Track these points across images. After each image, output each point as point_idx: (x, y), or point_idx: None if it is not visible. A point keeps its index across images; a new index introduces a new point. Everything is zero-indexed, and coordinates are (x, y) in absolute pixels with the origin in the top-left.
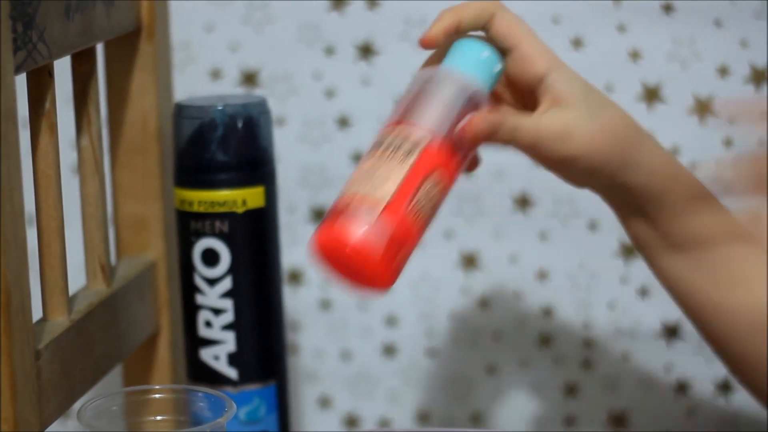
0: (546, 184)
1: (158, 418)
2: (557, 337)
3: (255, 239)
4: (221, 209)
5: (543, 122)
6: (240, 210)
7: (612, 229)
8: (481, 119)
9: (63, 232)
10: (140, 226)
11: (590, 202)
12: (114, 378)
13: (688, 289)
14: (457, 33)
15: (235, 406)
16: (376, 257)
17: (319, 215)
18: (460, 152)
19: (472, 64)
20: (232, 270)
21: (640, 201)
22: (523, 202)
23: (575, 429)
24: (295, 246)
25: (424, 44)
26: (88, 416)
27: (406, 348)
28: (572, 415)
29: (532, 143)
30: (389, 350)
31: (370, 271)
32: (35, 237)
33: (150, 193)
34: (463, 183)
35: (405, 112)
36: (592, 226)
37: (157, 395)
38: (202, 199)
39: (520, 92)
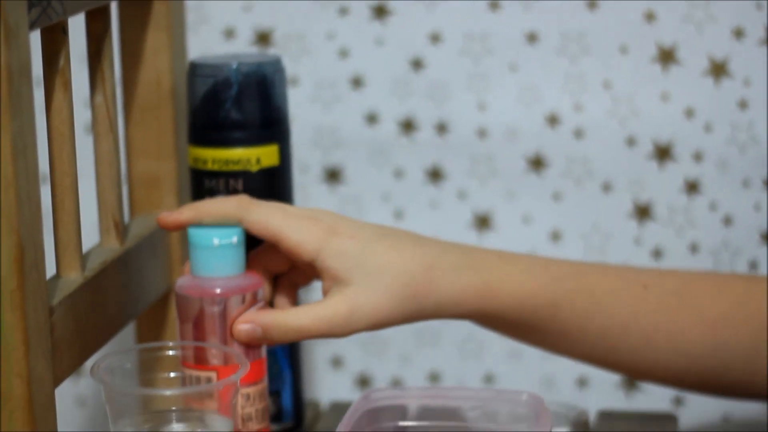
0: (559, 144)
1: (171, 374)
2: None
3: (269, 197)
4: (235, 168)
5: (324, 314)
6: (254, 168)
7: (626, 191)
8: (238, 331)
9: (77, 189)
10: (154, 185)
11: (604, 163)
12: (127, 336)
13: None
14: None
15: (248, 362)
16: None
17: (331, 176)
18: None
19: (208, 260)
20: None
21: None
22: (537, 163)
23: (587, 390)
24: (309, 206)
25: (161, 224)
26: (101, 372)
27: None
28: (585, 377)
29: (322, 334)
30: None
31: None
32: (49, 195)
33: (164, 151)
34: (476, 143)
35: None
36: (606, 187)
37: (170, 352)
38: (216, 157)
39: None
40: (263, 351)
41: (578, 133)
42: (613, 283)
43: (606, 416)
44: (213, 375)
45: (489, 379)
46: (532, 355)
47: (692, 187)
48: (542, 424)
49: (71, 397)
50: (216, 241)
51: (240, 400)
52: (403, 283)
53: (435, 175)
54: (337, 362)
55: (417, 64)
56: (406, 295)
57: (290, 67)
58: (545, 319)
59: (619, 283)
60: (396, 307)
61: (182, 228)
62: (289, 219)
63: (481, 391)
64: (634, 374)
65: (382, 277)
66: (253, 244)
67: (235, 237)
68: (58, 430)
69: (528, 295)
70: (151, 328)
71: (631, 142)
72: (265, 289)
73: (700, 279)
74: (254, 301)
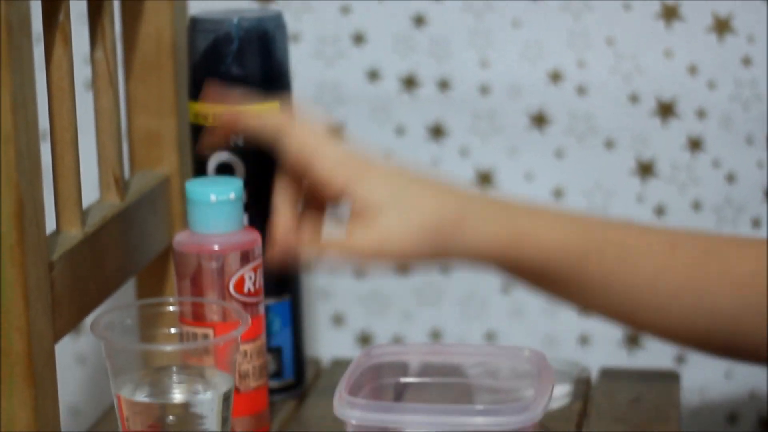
0: (562, 101)
1: (172, 330)
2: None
3: (270, 154)
4: None
5: (356, 243)
6: None
7: (629, 148)
8: (271, 255)
9: (77, 144)
10: (154, 141)
11: (607, 120)
12: (127, 292)
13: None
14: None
15: (249, 318)
16: None
17: (334, 133)
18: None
19: (206, 217)
20: (246, 185)
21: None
22: (539, 120)
23: (589, 348)
24: None
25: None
26: (101, 328)
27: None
28: (586, 334)
29: (348, 259)
30: (403, 268)
31: None
32: (49, 152)
33: (164, 107)
34: (478, 100)
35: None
36: (609, 144)
37: (171, 308)
38: (217, 113)
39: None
40: (261, 308)
41: (581, 90)
42: (641, 238)
43: (608, 374)
44: (210, 332)
45: (490, 337)
46: (534, 313)
47: (695, 144)
48: (544, 381)
49: (71, 355)
50: (213, 198)
51: (237, 358)
52: (433, 223)
53: (437, 131)
54: (338, 320)
55: (419, 21)
56: (436, 236)
57: (292, 24)
58: (571, 270)
59: (647, 238)
60: (423, 246)
61: (230, 134)
62: (328, 142)
63: (483, 348)
64: (659, 333)
65: (414, 215)
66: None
67: (232, 193)
68: (58, 387)
69: (556, 246)
70: (152, 285)
71: (634, 99)
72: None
73: (727, 239)
74: (252, 257)
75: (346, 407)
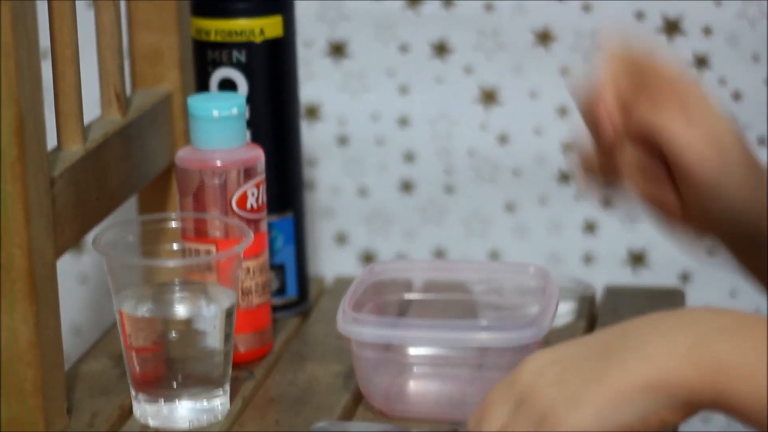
0: (568, 18)
1: (174, 246)
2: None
3: (273, 70)
4: (239, 39)
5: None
6: (258, 39)
7: None
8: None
9: (77, 60)
10: (156, 58)
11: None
12: (129, 209)
13: None
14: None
15: (252, 234)
16: None
17: (336, 50)
18: None
19: (209, 132)
20: (249, 101)
21: None
22: (545, 37)
23: (594, 266)
24: (313, 81)
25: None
26: (103, 244)
27: (424, 184)
28: (591, 253)
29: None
30: (407, 186)
31: None
32: (51, 71)
33: (166, 23)
34: (483, 17)
35: None
36: None
37: (173, 224)
38: (219, 28)
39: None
40: (264, 225)
41: (586, 7)
42: None
43: (612, 292)
44: (213, 248)
45: (494, 255)
46: (539, 232)
47: (701, 62)
48: (549, 298)
49: (73, 275)
50: (216, 113)
51: (240, 274)
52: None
53: (441, 49)
54: (341, 238)
55: None
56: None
57: None
58: None
59: None
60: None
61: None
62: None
63: (488, 264)
64: None
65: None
66: None
67: (235, 109)
68: (60, 306)
69: None
70: (155, 202)
71: (639, 15)
72: None
73: None
74: (255, 173)
75: (350, 323)
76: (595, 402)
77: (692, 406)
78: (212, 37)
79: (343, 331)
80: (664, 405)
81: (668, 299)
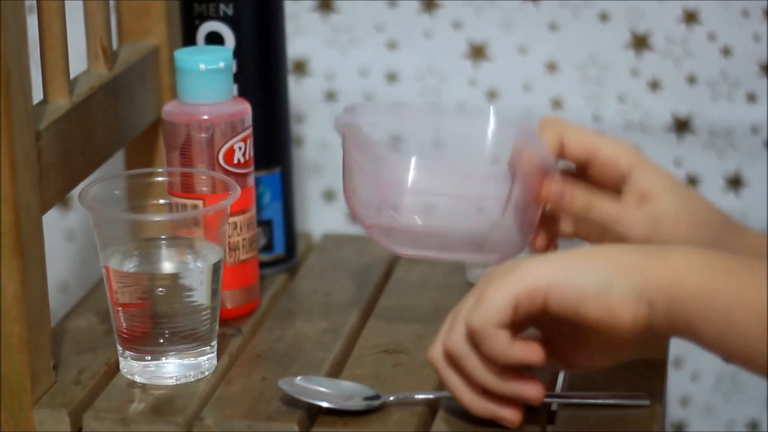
0: None
1: (161, 201)
2: None
3: (260, 24)
4: None
5: (629, 216)
6: None
7: (623, 20)
8: (548, 190)
9: (63, 12)
10: (142, 12)
11: None
12: (116, 164)
13: None
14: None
15: (239, 188)
16: None
17: (324, 4)
18: None
19: (195, 86)
20: (236, 55)
21: None
22: None
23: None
24: (301, 36)
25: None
26: (89, 198)
27: (412, 140)
28: None
29: (614, 227)
30: (395, 141)
31: None
32: (36, 25)
33: None
34: None
35: None
36: (604, 16)
37: (159, 178)
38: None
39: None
40: (251, 180)
41: None
42: None
43: None
44: (199, 203)
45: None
46: None
47: (691, 17)
48: None
49: (60, 231)
50: (202, 66)
51: (227, 229)
52: (711, 215)
53: (429, 4)
54: (329, 195)
55: None
56: (709, 227)
57: None
58: None
59: None
60: (695, 233)
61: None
62: (602, 137)
63: None
64: None
65: (689, 203)
66: None
67: (221, 62)
68: (47, 263)
69: None
70: (141, 157)
71: None
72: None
73: None
74: (242, 128)
75: (346, 116)
76: (560, 259)
77: (644, 303)
78: None
79: (338, 126)
80: (620, 285)
81: None
